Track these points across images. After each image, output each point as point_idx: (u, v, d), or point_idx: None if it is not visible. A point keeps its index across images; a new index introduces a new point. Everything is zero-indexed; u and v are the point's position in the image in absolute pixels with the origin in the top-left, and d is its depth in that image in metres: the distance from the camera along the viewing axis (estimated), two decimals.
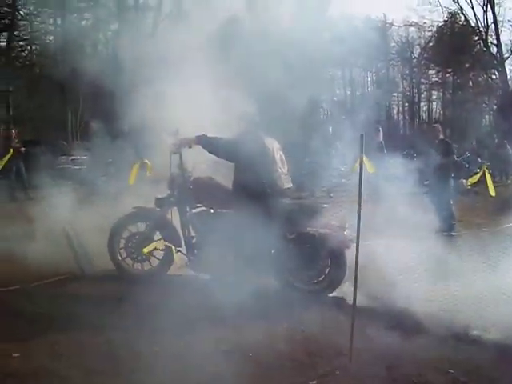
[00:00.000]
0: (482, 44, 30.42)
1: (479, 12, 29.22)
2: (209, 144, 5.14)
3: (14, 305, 4.72)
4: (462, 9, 29.92)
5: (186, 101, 5.80)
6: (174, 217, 5.50)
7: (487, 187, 8.57)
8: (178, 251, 5.39)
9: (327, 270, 5.11)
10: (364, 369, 3.50)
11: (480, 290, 4.68)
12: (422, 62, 36.83)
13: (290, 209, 5.17)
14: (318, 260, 5.11)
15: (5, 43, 26.01)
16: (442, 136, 8.61)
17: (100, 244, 5.72)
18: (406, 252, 5.48)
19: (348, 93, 38.90)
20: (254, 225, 4.61)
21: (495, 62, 28.93)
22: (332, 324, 4.31)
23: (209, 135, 5.16)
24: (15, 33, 25.94)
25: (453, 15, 32.19)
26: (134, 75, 6.50)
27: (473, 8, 29.20)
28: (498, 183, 14.87)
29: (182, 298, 4.36)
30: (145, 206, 5.67)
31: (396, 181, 6.71)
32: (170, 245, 5.30)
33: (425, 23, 33.05)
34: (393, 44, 36.48)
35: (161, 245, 5.36)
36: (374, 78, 40.23)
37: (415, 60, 37.31)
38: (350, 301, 4.25)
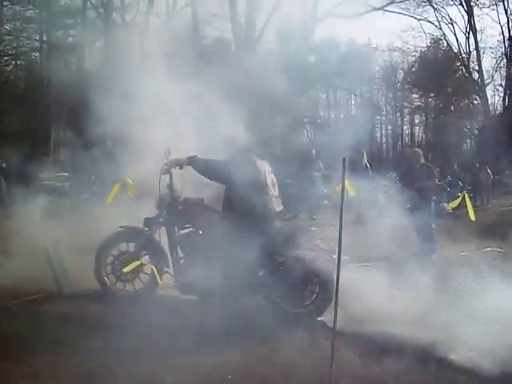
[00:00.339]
0: (464, 70, 30.94)
1: (461, 38, 29.77)
2: (200, 165, 5.08)
3: None
4: (444, 35, 30.47)
5: (173, 121, 5.78)
6: (163, 237, 5.44)
7: (467, 212, 8.72)
8: (166, 272, 5.35)
9: (315, 293, 5.10)
10: None
11: (462, 314, 4.76)
12: (406, 86, 37.38)
13: (279, 232, 5.17)
14: (307, 283, 5.10)
15: None
16: (422, 160, 8.72)
17: (80, 262, 5.65)
18: (386, 275, 5.51)
19: (332, 115, 39.26)
20: (242, 247, 4.57)
21: (477, 87, 29.45)
22: (313, 348, 4.28)
23: (200, 156, 5.13)
24: (0, 48, 25.79)
25: (436, 41, 32.74)
26: (119, 93, 6.49)
27: (455, 35, 29.79)
28: (478, 207, 15.07)
29: (163, 319, 4.31)
30: (133, 225, 5.58)
31: (379, 204, 6.78)
32: (150, 265, 5.26)
33: (408, 48, 33.65)
34: (377, 68, 37.00)
35: (141, 265, 5.30)
36: (359, 100, 40.70)
37: (399, 84, 37.86)
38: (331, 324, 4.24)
